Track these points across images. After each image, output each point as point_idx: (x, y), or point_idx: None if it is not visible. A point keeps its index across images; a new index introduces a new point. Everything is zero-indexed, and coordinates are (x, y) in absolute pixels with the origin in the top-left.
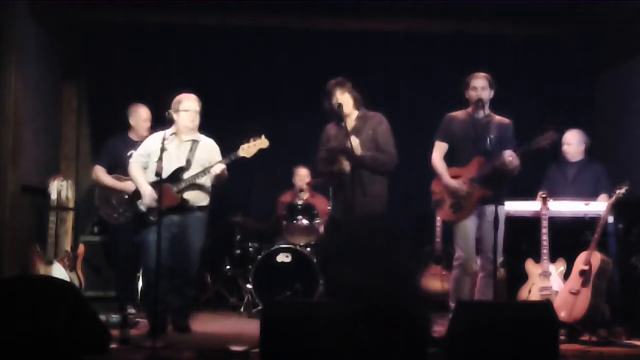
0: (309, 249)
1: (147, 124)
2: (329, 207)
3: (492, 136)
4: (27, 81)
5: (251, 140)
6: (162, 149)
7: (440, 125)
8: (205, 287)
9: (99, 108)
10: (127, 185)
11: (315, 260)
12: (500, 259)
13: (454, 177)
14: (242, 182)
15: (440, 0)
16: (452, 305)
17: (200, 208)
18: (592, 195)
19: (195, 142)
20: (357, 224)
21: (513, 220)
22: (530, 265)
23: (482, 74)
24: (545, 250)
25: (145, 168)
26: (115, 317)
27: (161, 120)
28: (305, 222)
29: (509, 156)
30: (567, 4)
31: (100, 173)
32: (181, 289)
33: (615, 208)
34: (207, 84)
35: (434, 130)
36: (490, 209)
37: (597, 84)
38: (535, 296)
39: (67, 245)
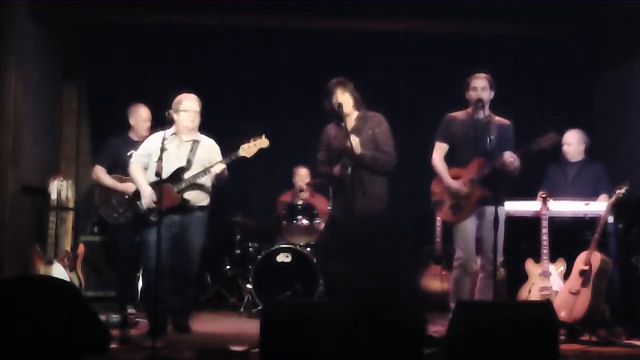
0: (309, 249)
1: (147, 124)
2: (329, 207)
3: (492, 137)
4: (27, 81)
5: (251, 140)
6: (162, 149)
7: (440, 125)
8: (205, 287)
9: (99, 108)
10: (127, 187)
11: (315, 260)
12: (500, 259)
13: (454, 177)
14: (242, 182)
15: (440, 0)
16: (452, 305)
17: (201, 208)
18: (592, 196)
19: (195, 142)
20: (357, 224)
21: (513, 220)
22: (530, 265)
23: (482, 75)
24: (545, 250)
25: (145, 168)
26: (115, 317)
27: (161, 120)
28: (305, 222)
29: (510, 157)
30: (567, 4)
31: (101, 173)
32: (181, 289)
33: (615, 208)
34: (207, 84)
35: (434, 130)
36: (490, 209)
37: (597, 84)
38: (535, 296)
39: (67, 245)
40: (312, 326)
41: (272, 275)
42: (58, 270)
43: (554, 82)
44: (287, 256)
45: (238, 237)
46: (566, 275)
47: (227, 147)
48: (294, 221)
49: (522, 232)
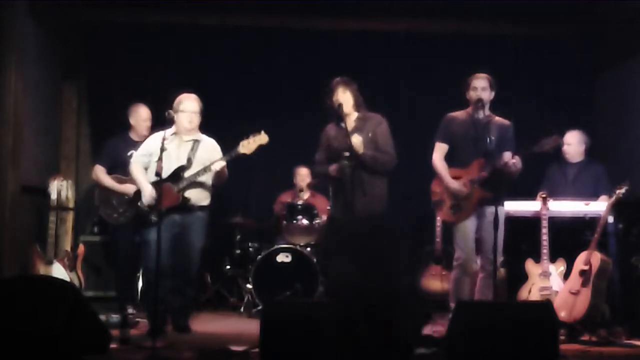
0: (309, 249)
1: (148, 124)
2: (329, 207)
3: (492, 137)
4: (27, 81)
5: (250, 136)
6: (162, 149)
7: (440, 125)
8: (205, 287)
9: (99, 108)
10: (127, 188)
11: (315, 260)
12: (500, 259)
13: (454, 177)
14: (242, 183)
15: (440, 0)
16: (452, 305)
17: (201, 208)
18: (592, 196)
19: (196, 141)
20: (357, 224)
21: (513, 220)
22: (530, 265)
23: (483, 75)
24: (545, 250)
25: (146, 168)
26: (115, 317)
27: (161, 120)
28: (305, 222)
29: (513, 160)
30: (567, 4)
31: (101, 173)
32: (181, 289)
33: (615, 208)
34: (207, 84)
35: (434, 130)
36: (490, 209)
37: (597, 84)
38: (535, 296)
39: (67, 245)
40: (312, 326)
41: (272, 275)
42: (58, 270)
43: (554, 82)
44: (287, 256)
45: (238, 237)
46: (566, 275)
47: (228, 147)
48: (294, 221)
49: (522, 232)
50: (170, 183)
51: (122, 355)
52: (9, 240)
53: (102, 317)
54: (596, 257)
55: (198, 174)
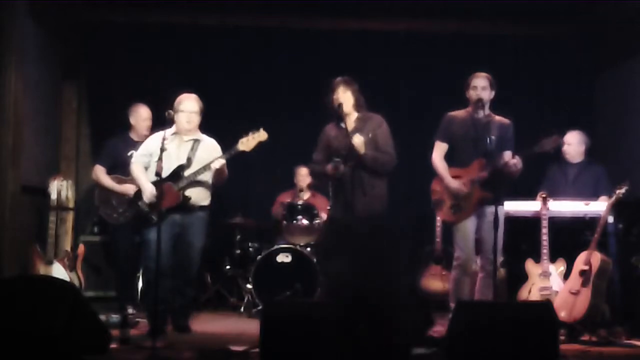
0: (309, 249)
1: (148, 124)
2: (329, 207)
3: (492, 136)
4: (27, 81)
5: (249, 133)
6: (162, 149)
7: (440, 125)
8: (205, 287)
9: (99, 108)
10: (126, 189)
11: (315, 260)
12: (500, 259)
13: (454, 177)
14: (242, 183)
15: (440, 0)
16: (452, 305)
17: (202, 208)
18: (592, 196)
19: (196, 141)
20: (356, 224)
21: (513, 220)
22: (530, 265)
23: (483, 74)
24: (545, 250)
25: (146, 167)
26: (115, 317)
27: (161, 120)
28: (305, 222)
29: (513, 159)
30: (567, 4)
31: (101, 173)
32: (181, 289)
33: (615, 208)
34: (207, 84)
35: (434, 130)
36: (490, 209)
37: (597, 84)
38: (535, 296)
39: (67, 245)
40: (312, 326)
41: (272, 275)
42: (58, 270)
43: (554, 82)
44: (287, 256)
45: (238, 237)
46: (566, 275)
47: (228, 147)
48: (294, 221)
49: (522, 232)
50: (171, 182)
51: (122, 355)
52: (9, 240)
53: (102, 317)
54: (596, 257)
55: (198, 172)
